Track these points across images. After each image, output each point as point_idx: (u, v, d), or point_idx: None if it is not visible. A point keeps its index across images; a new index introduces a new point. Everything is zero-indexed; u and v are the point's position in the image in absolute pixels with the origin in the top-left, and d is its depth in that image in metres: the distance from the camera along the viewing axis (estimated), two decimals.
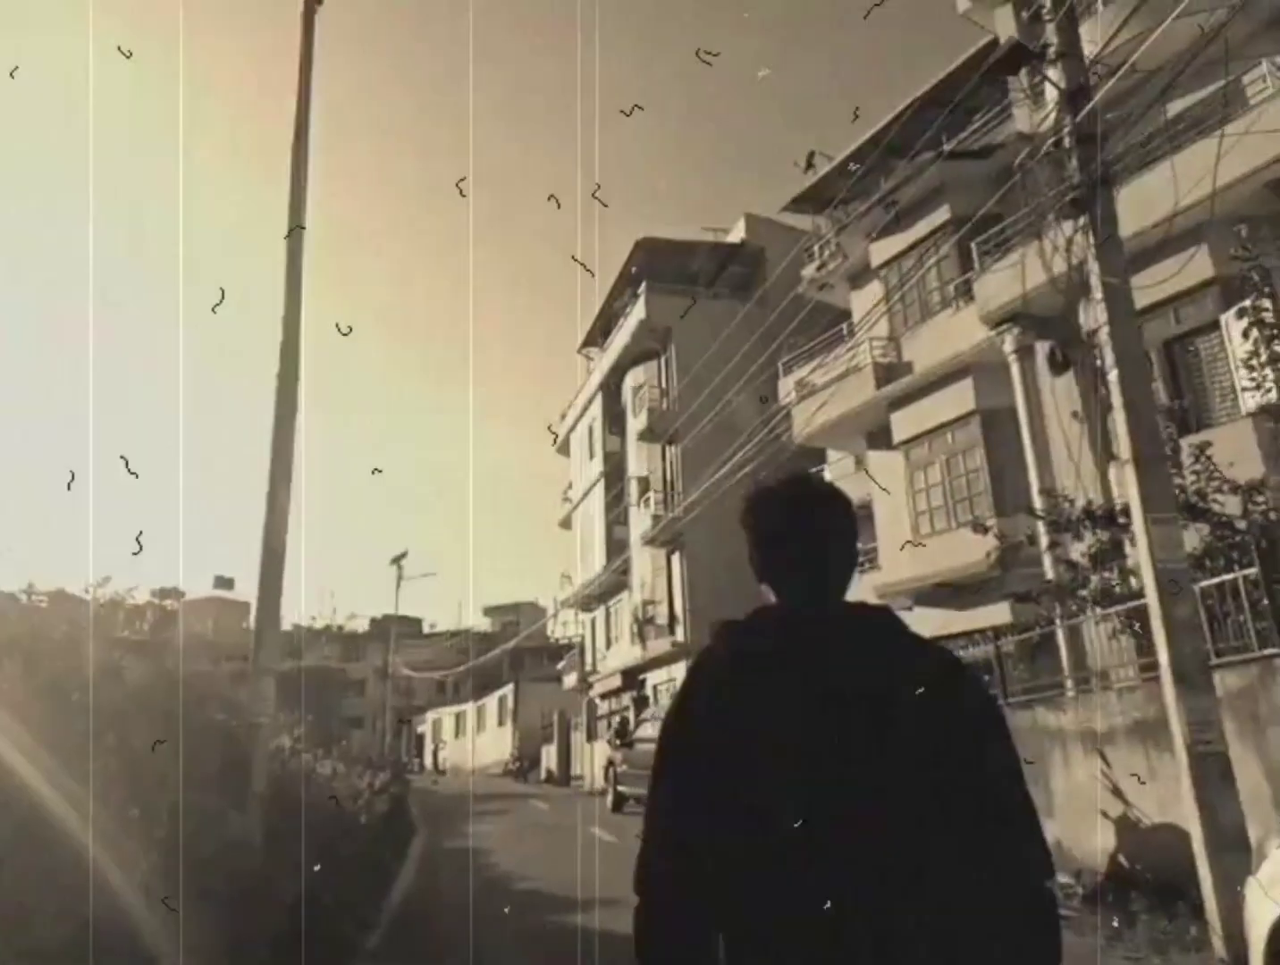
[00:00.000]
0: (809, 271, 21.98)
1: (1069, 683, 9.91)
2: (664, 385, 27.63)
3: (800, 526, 1.44)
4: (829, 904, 1.18)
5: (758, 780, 1.26)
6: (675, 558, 25.89)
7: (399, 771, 20.50)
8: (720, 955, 1.29)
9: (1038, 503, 10.98)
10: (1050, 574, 11.27)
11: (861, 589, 16.91)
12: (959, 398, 14.16)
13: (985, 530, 10.36)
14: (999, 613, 13.12)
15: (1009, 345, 12.66)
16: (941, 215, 14.91)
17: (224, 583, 70.71)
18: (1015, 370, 12.58)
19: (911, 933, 1.20)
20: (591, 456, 32.84)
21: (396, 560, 35.27)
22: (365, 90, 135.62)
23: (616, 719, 22.96)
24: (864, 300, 16.64)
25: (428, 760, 50.12)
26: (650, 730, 16.69)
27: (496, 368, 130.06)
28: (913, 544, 14.32)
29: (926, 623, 14.40)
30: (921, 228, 15.24)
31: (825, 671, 1.29)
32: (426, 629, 68.72)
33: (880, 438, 16.06)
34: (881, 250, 16.17)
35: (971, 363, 13.94)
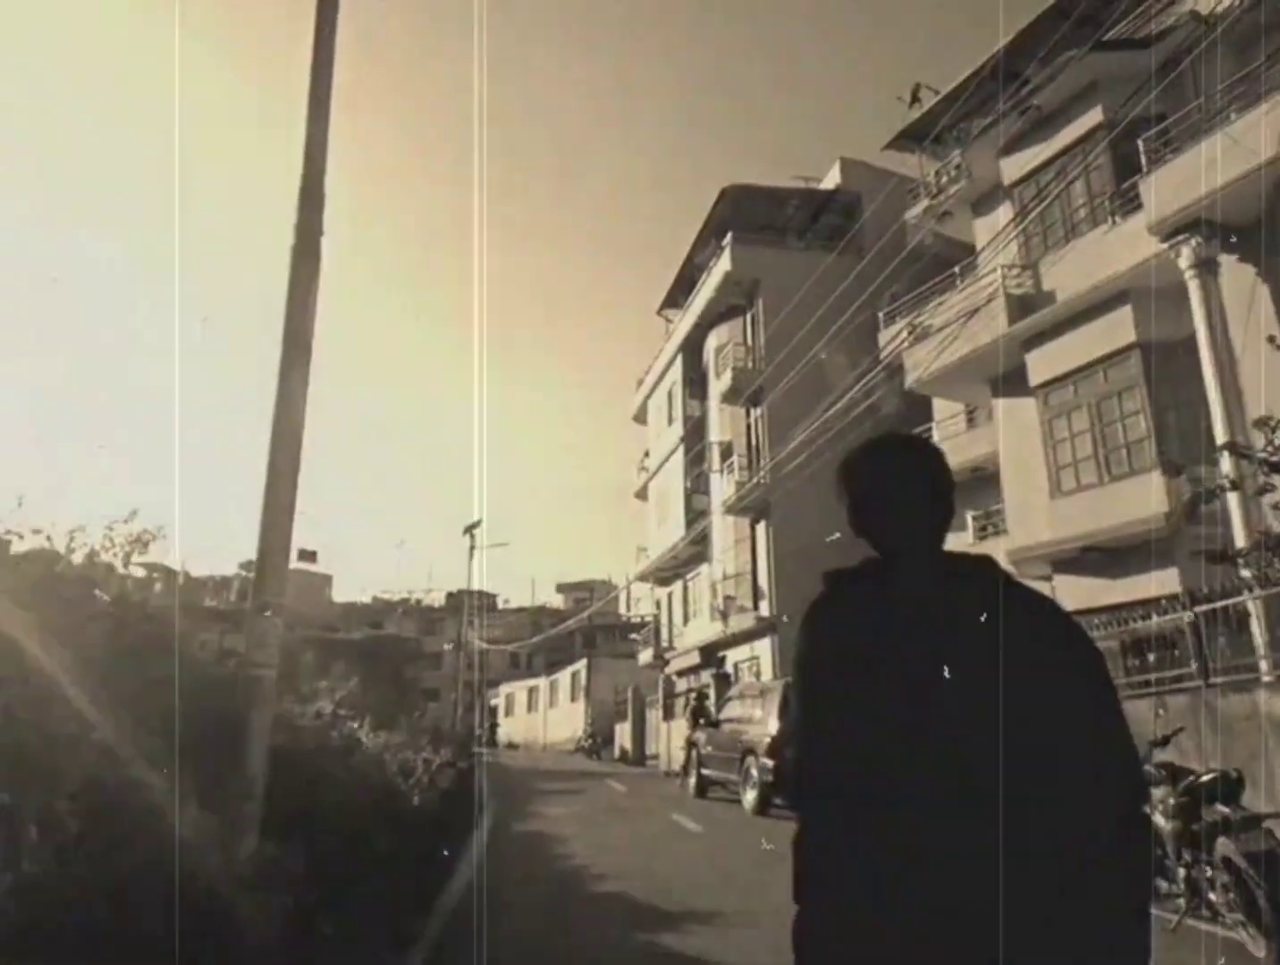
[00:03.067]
0: (915, 212, 19.88)
1: (1263, 663, 7.93)
2: (750, 343, 25.75)
3: (894, 480, 1.52)
4: (932, 816, 1.28)
5: (873, 714, 1.36)
6: (760, 527, 24.10)
7: (467, 746, 19.32)
8: (800, 843, 1.43)
9: (1229, 442, 8.89)
10: (1240, 531, 9.22)
11: (995, 554, 14.88)
12: (1114, 329, 11.98)
13: (1178, 471, 8.35)
14: (1163, 581, 11.02)
15: (1186, 259, 10.48)
16: (1093, 117, 12.68)
17: (306, 555, 71.74)
18: (1195, 289, 10.40)
19: (1000, 851, 1.24)
20: (670, 422, 31.18)
21: (469, 529, 34.32)
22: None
23: (693, 697, 21.30)
24: (991, 227, 14.49)
25: (500, 735, 49.65)
26: (738, 709, 15.07)
27: (573, 334, 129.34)
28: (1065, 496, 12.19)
29: (1073, 593, 12.35)
30: (1067, 134, 13.04)
31: (931, 616, 1.39)
32: (501, 605, 68.69)
33: (1010, 383, 13.95)
34: (1016, 165, 14.00)
35: (1131, 287, 11.75)
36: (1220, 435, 9.60)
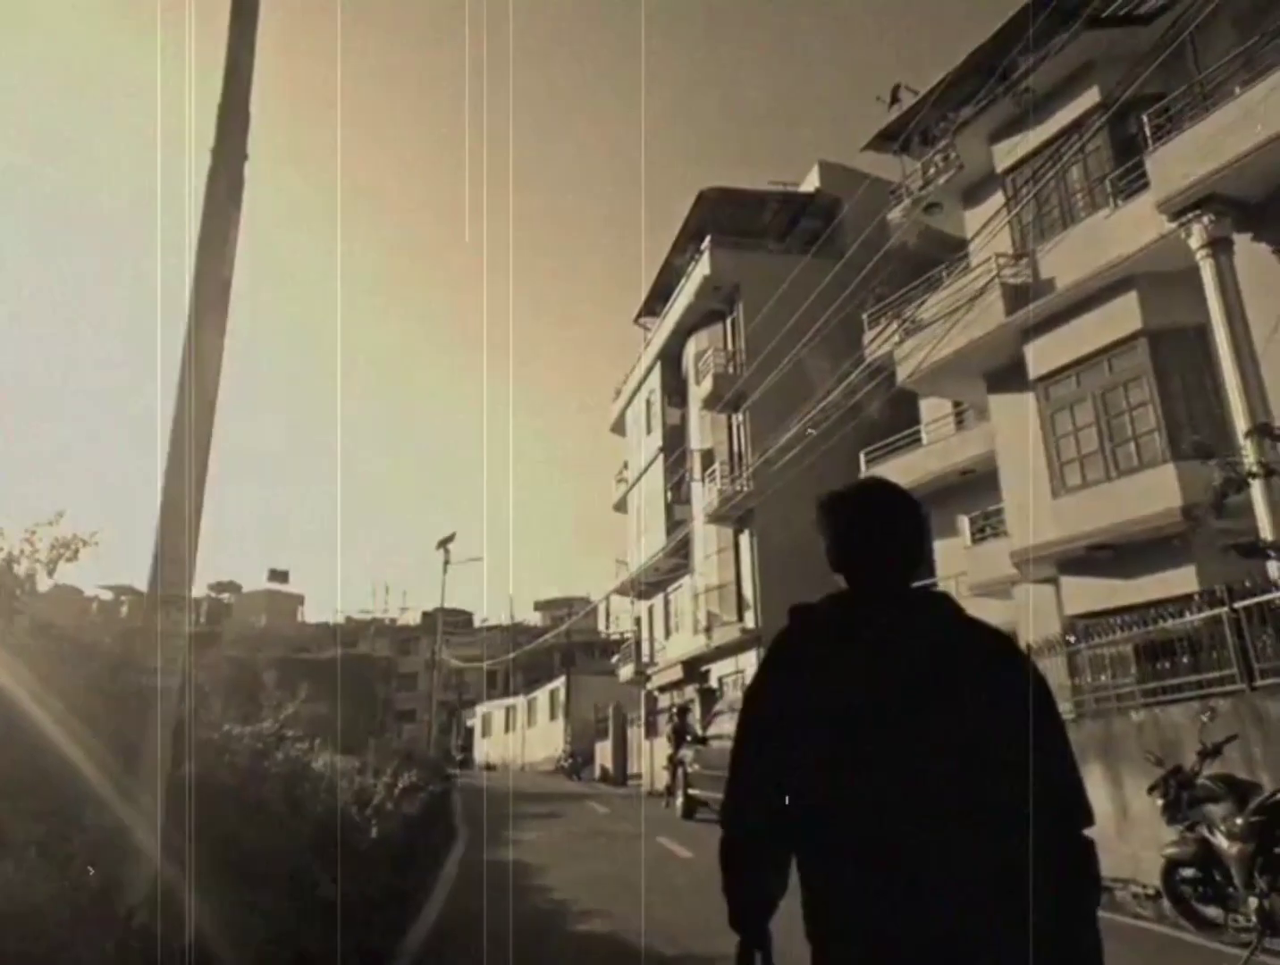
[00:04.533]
0: (897, 213, 19.41)
1: None
2: (730, 348, 25.13)
3: (870, 525, 1.64)
4: (892, 836, 1.38)
5: (830, 741, 1.45)
6: (744, 536, 23.39)
7: (439, 768, 18.34)
8: (801, 879, 1.50)
9: (1261, 425, 8.29)
10: (1266, 521, 8.61)
11: (995, 557, 14.22)
12: (1119, 316, 11.41)
13: (1209, 455, 7.70)
14: (1179, 580, 10.40)
15: (1197, 238, 9.91)
16: (1089, 98, 12.16)
17: (278, 576, 70.13)
18: (1208, 269, 9.82)
19: (963, 867, 1.36)
20: (649, 431, 30.45)
21: (443, 544, 33.41)
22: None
23: (674, 713, 20.41)
24: (982, 218, 13.93)
25: (477, 756, 48.38)
26: (727, 725, 14.25)
27: (546, 344, 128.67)
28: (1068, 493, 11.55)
29: (1082, 595, 11.72)
30: (1063, 116, 12.50)
31: (890, 648, 1.50)
32: (478, 623, 67.46)
33: (1006, 377, 13.36)
34: (1009, 151, 13.45)
35: (1136, 272, 11.20)
36: (1241, 421, 9.00)
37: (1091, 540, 11.20)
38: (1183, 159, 9.81)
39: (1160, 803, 6.04)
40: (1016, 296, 12.70)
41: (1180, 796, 5.78)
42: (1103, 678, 9.14)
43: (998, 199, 13.73)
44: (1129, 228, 11.13)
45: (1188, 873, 5.87)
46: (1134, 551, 10.90)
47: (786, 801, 1.49)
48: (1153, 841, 7.60)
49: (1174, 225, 10.16)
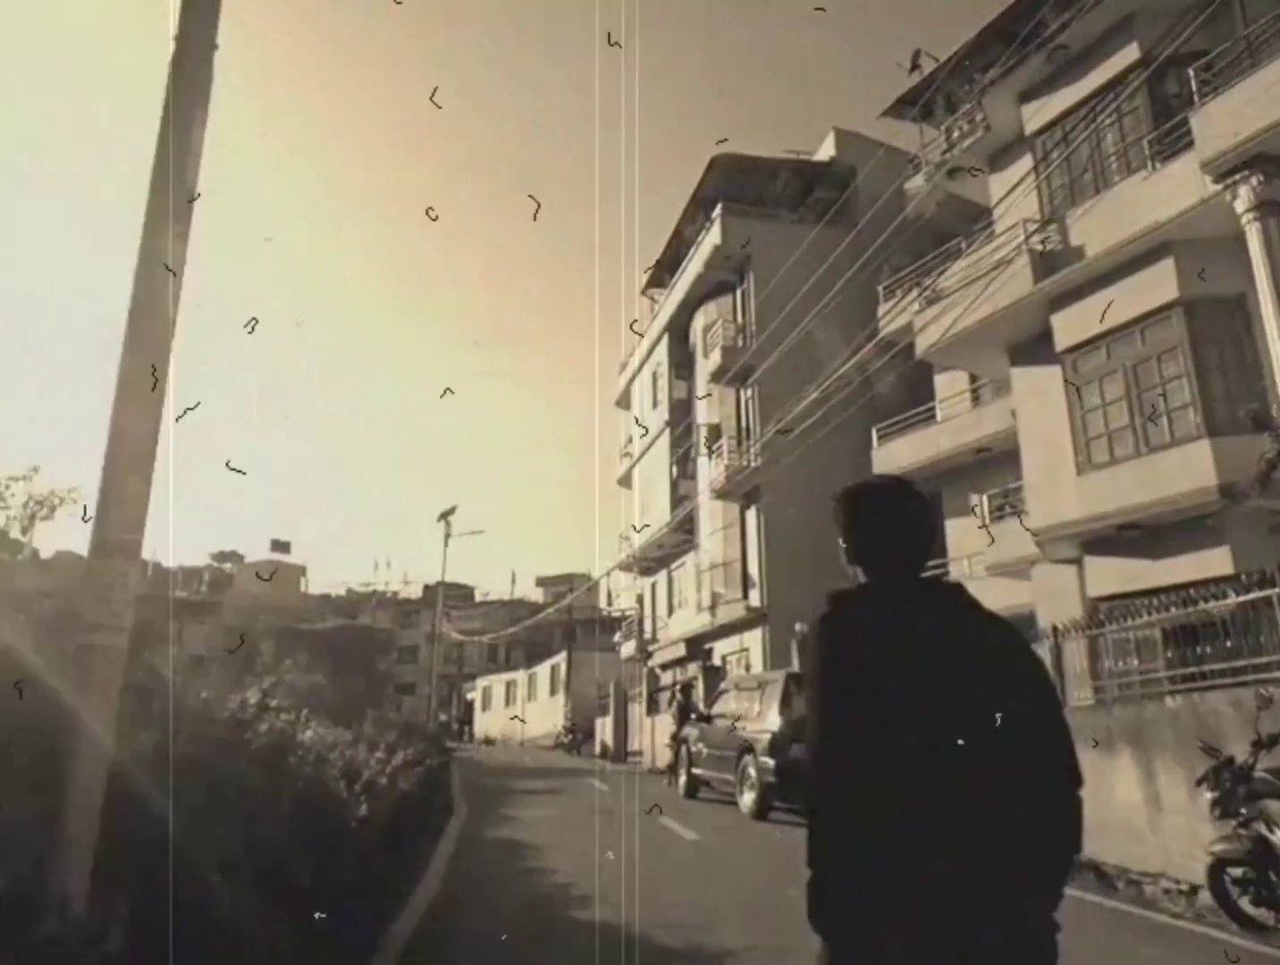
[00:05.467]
0: (916, 182, 18.80)
1: None
2: (740, 320, 24.55)
3: (884, 520, 1.82)
4: (925, 793, 1.56)
5: (872, 713, 1.62)
6: (750, 512, 22.93)
7: (437, 741, 18.04)
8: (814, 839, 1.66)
9: None
10: None
11: (1013, 536, 13.74)
12: (1154, 285, 10.86)
13: (1265, 426, 7.21)
14: (1212, 561, 9.95)
15: (1244, 201, 9.36)
16: (1128, 55, 11.54)
17: (280, 546, 69.71)
18: (1254, 234, 9.28)
19: (980, 813, 1.56)
20: (655, 405, 29.92)
21: (444, 516, 32.98)
22: None
23: (679, 690, 20.06)
24: (1009, 184, 13.33)
25: (477, 730, 48.29)
26: (733, 703, 13.88)
27: (554, 318, 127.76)
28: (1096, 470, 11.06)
29: (1105, 577, 11.26)
30: (1099, 75, 11.89)
31: (908, 634, 1.68)
32: (479, 597, 67.28)
33: (1031, 349, 12.83)
34: (1040, 112, 12.83)
35: (1173, 238, 10.64)
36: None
37: (1119, 519, 10.74)
38: (1232, 115, 9.24)
39: (1209, 796, 5.61)
40: (1044, 264, 12.15)
41: (1235, 790, 5.35)
42: (1135, 662, 8.70)
43: (1025, 163, 13.12)
44: (1167, 191, 10.57)
45: (1237, 872, 5.45)
46: (1164, 531, 10.44)
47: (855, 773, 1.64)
48: (1187, 834, 7.20)
49: (1219, 187, 9.60)
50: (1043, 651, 9.88)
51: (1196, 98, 9.91)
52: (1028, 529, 12.06)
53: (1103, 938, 5.70)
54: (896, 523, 1.81)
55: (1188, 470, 9.97)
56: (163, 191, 3.26)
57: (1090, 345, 11.65)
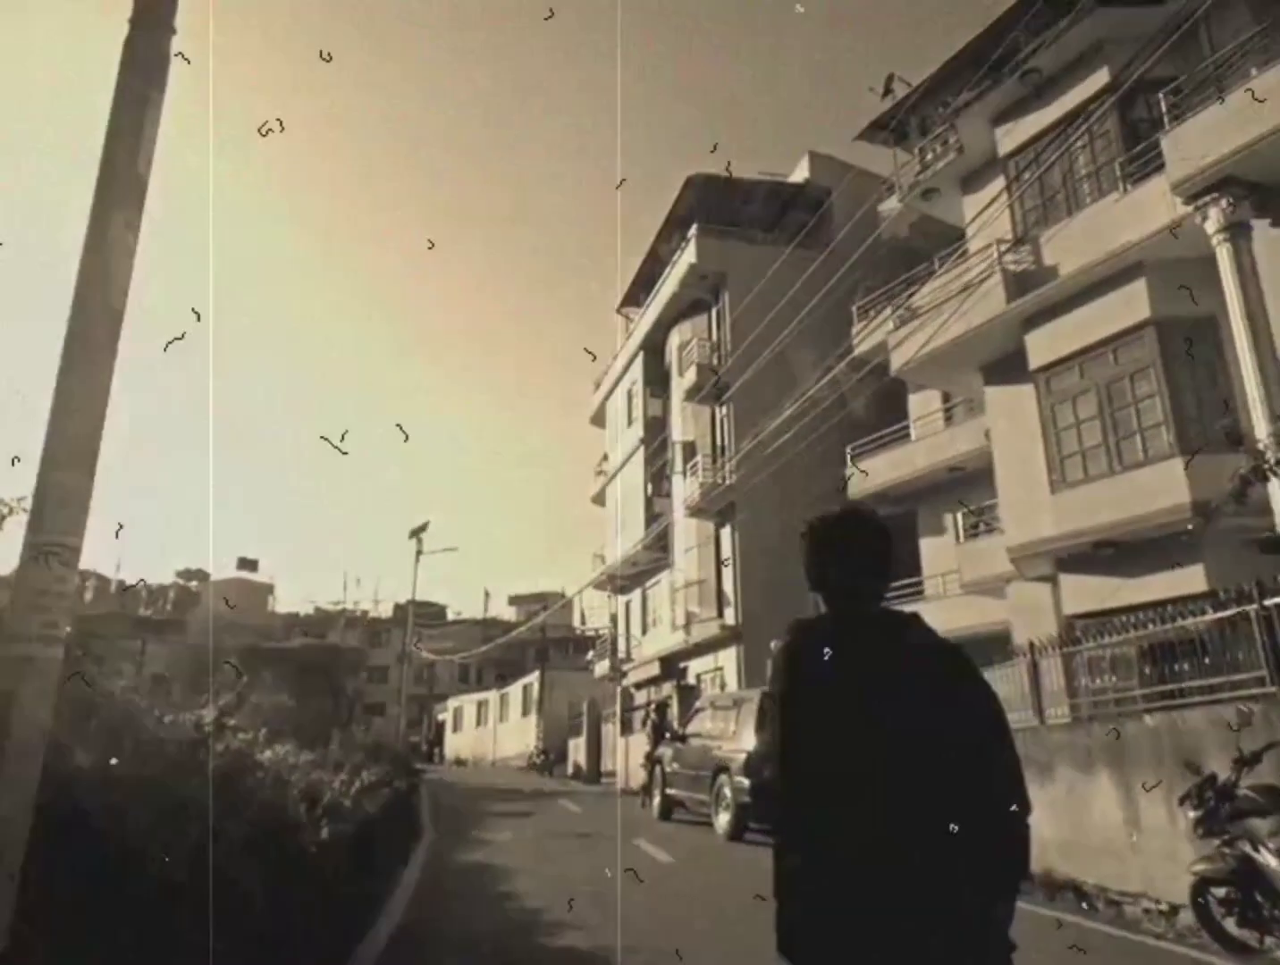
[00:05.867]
0: (889, 205, 19.02)
1: None
2: (715, 338, 24.59)
3: (845, 554, 1.90)
4: (863, 813, 1.66)
5: (818, 736, 1.75)
6: (725, 530, 22.85)
7: (405, 763, 17.63)
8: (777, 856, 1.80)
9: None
10: None
11: (988, 554, 13.76)
12: (1126, 305, 10.96)
13: (1240, 441, 7.23)
14: (1185, 578, 9.97)
15: (1214, 222, 9.47)
16: (1099, 80, 11.73)
17: (247, 564, 68.61)
18: (1225, 255, 9.37)
19: (929, 831, 1.64)
20: (630, 423, 29.84)
21: (416, 533, 32.54)
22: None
23: (652, 709, 19.81)
24: (981, 203, 13.46)
25: (448, 750, 47.56)
26: (708, 723, 13.68)
27: (527, 335, 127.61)
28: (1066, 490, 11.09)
29: (1080, 595, 11.26)
30: (1071, 99, 12.06)
31: (866, 663, 1.77)
32: (451, 617, 66.53)
33: (1004, 368, 12.89)
34: (1013, 134, 12.99)
35: (1145, 259, 10.76)
36: (1259, 413, 8.55)
37: (1094, 537, 10.76)
38: (1201, 138, 9.36)
39: (1192, 815, 5.53)
40: (1018, 284, 12.24)
41: (1218, 808, 5.26)
42: (1111, 679, 8.65)
43: (997, 185, 13.27)
44: (1138, 213, 10.70)
45: (1220, 892, 5.36)
46: (1138, 549, 10.47)
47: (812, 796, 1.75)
48: (1168, 854, 7.12)
49: (1189, 209, 9.71)
50: (1019, 669, 9.83)
51: (1167, 120, 10.05)
52: (1004, 548, 12.05)
53: (1083, 962, 5.58)
54: (855, 554, 1.90)
55: (1161, 488, 10.02)
56: (111, 177, 3.09)
57: (1063, 364, 11.72)
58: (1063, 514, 11.26)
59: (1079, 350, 11.49)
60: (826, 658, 1.78)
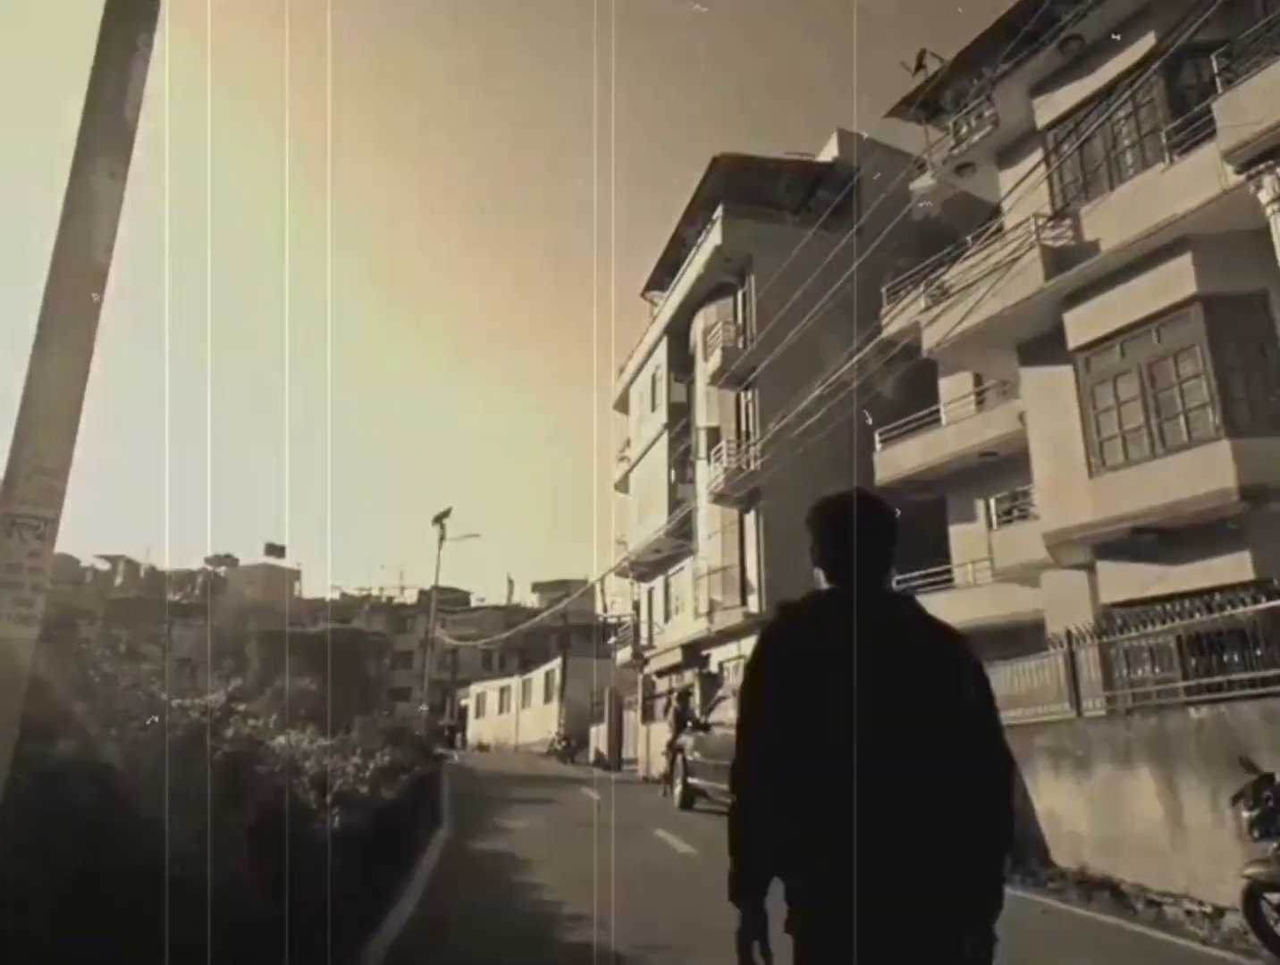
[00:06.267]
0: (921, 183, 18.51)
1: None
2: (740, 322, 24.20)
3: (847, 534, 1.92)
4: (864, 792, 1.66)
5: (811, 715, 1.77)
6: (749, 517, 22.54)
7: (426, 748, 17.59)
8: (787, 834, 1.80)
9: None
10: None
11: (1022, 541, 13.37)
12: (1171, 281, 10.50)
13: None
14: (1231, 566, 9.57)
15: (1268, 191, 9.00)
16: (1144, 45, 11.20)
17: (274, 550, 69.32)
18: (1279, 226, 8.91)
19: (917, 806, 1.70)
20: (654, 409, 29.54)
21: (439, 519, 32.53)
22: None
23: (675, 698, 19.58)
24: (1018, 178, 12.98)
25: (470, 736, 47.78)
26: (730, 711, 13.45)
27: (550, 320, 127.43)
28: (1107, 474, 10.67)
29: (1119, 583, 10.87)
30: (1114, 66, 11.54)
31: (861, 643, 1.75)
32: (475, 603, 66.81)
33: (1041, 348, 12.45)
34: (1052, 105, 12.50)
35: (1192, 233, 10.29)
36: None
37: (1134, 522, 10.34)
38: (1257, 102, 8.88)
39: (1247, 815, 5.21)
40: (1056, 260, 11.79)
41: (1277, 809, 4.95)
42: (1155, 670, 8.30)
43: (1035, 159, 12.73)
44: (1186, 184, 10.22)
45: (1276, 897, 5.05)
46: (1180, 535, 10.06)
47: (782, 770, 1.77)
48: (1213, 853, 6.80)
49: (1242, 178, 9.24)
50: (1054, 659, 9.49)
51: (1219, 84, 9.56)
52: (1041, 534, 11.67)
53: None
54: (860, 537, 1.93)
55: (1206, 472, 9.60)
56: (95, 122, 2.88)
57: (1103, 343, 11.28)
58: (1101, 499, 10.86)
59: (1120, 329, 11.04)
60: (813, 635, 1.84)
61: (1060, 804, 8.42)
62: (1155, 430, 10.51)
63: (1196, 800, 7.02)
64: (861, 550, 1.91)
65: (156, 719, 4.87)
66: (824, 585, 1.99)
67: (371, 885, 5.91)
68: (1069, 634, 8.98)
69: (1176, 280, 10.45)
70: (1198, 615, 7.69)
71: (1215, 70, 9.59)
